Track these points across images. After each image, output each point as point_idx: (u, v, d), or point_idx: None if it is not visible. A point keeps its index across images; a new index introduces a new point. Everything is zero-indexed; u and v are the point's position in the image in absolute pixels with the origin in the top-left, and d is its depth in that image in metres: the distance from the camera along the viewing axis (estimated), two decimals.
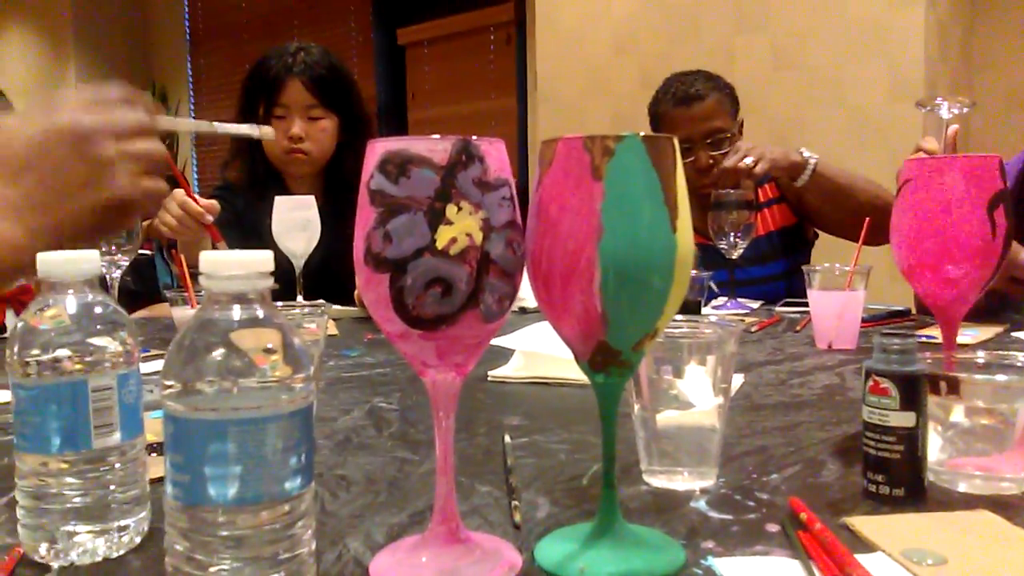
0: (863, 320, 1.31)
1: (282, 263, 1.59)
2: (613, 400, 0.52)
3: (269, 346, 0.43)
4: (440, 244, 0.45)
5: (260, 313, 0.43)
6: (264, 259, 0.44)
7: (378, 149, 0.46)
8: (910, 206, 0.75)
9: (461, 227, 0.46)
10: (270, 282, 0.44)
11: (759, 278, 1.95)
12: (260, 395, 0.42)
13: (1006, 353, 0.68)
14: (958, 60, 2.97)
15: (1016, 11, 3.02)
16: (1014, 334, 1.31)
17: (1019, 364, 0.66)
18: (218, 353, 0.41)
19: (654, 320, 0.49)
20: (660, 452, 0.67)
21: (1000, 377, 0.63)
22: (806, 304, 1.34)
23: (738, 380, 1.02)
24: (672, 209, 0.47)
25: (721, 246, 1.77)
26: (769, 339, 1.37)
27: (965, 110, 1.35)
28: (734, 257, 1.76)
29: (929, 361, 0.68)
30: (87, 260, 0.53)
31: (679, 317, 0.61)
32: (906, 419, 0.60)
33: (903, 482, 0.61)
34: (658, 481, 0.66)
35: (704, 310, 1.69)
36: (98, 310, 0.52)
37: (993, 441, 0.63)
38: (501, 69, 4.36)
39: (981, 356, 0.69)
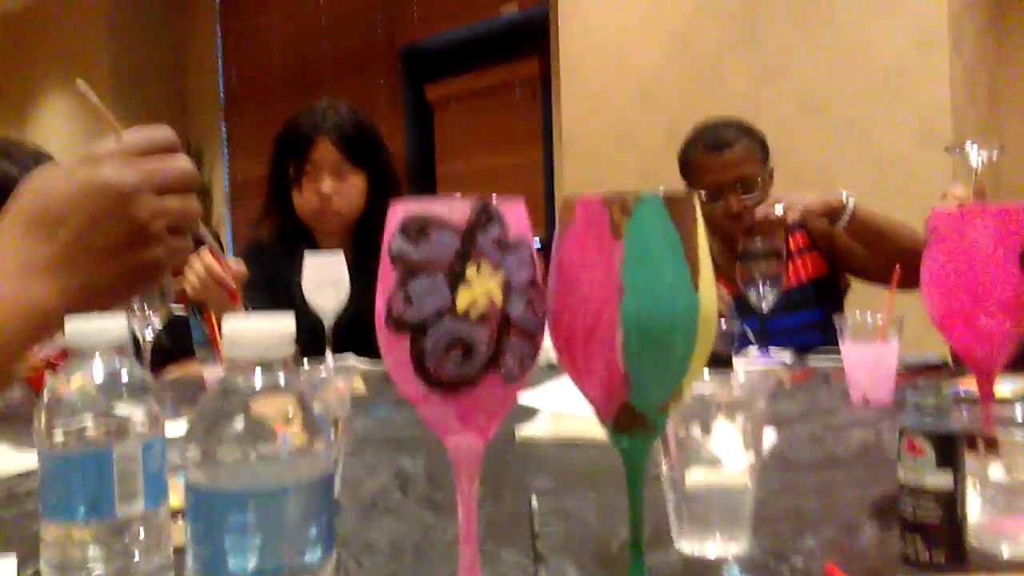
0: (898, 372, 1.29)
1: (312, 320, 1.61)
2: (639, 464, 0.51)
3: (289, 414, 0.42)
4: (460, 306, 0.45)
5: (281, 380, 0.43)
6: (286, 325, 0.44)
7: (398, 212, 0.47)
8: (939, 257, 0.74)
9: (481, 289, 0.45)
10: (292, 348, 0.44)
11: (791, 327, 1.92)
12: (279, 465, 0.41)
13: None
14: (986, 103, 2.96)
15: None
16: None
17: None
18: (238, 422, 0.41)
19: (678, 380, 0.48)
20: (690, 515, 0.65)
21: None
22: (839, 352, 1.32)
23: (770, 437, 1.00)
24: (693, 266, 0.47)
25: (750, 296, 1.75)
26: (802, 392, 1.34)
27: (995, 152, 1.33)
28: (764, 308, 1.74)
29: (965, 418, 0.67)
30: (115, 326, 0.53)
31: (708, 372, 0.60)
32: (943, 479, 0.58)
33: (943, 545, 0.58)
34: (689, 546, 0.65)
35: (737, 362, 1.66)
36: (124, 377, 0.52)
37: None
38: (527, 123, 4.42)
39: (1020, 410, 0.67)
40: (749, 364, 1.68)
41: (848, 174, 2.81)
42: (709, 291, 0.48)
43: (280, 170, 1.92)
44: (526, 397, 1.06)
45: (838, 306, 2.03)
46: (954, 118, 2.68)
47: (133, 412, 0.51)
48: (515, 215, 0.47)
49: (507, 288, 0.46)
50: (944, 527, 0.58)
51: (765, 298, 1.74)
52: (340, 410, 0.82)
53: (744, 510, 0.65)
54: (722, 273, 2.01)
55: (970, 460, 0.60)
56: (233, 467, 0.41)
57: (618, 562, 0.62)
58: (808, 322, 1.94)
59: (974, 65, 2.86)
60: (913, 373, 1.45)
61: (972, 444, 0.60)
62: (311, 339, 1.59)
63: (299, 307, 1.59)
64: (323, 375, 0.84)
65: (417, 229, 0.46)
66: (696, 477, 0.64)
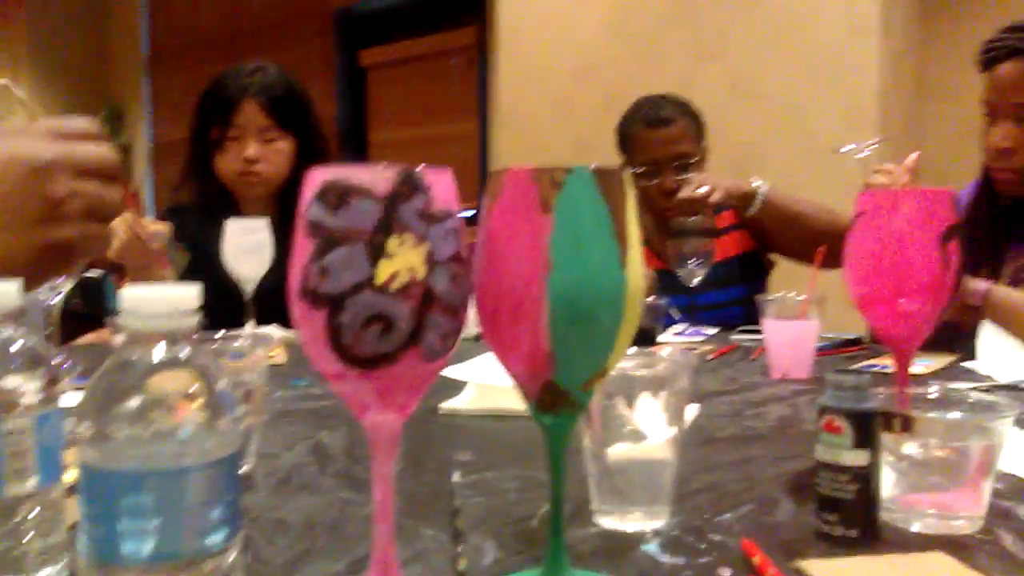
0: (817, 349, 1.32)
1: (233, 287, 1.56)
2: (561, 442, 0.50)
3: (189, 390, 0.40)
4: (380, 279, 0.43)
5: (182, 354, 0.41)
6: (188, 295, 0.42)
7: (317, 178, 0.44)
8: (863, 239, 0.75)
9: (403, 261, 0.44)
10: (195, 319, 0.42)
11: (718, 303, 1.95)
12: (177, 443, 0.39)
13: (958, 389, 0.67)
14: (911, 89, 3.04)
15: (967, 43, 3.08)
16: (964, 364, 1.32)
17: (971, 400, 0.66)
18: (133, 398, 0.39)
19: (604, 359, 0.47)
20: (611, 489, 0.65)
21: (953, 415, 0.63)
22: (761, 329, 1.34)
23: (693, 411, 1.01)
24: (622, 244, 0.46)
25: (680, 273, 1.77)
26: (724, 368, 1.36)
27: (875, 145, 1.39)
28: (692, 285, 1.76)
29: (882, 396, 0.68)
30: (5, 291, 0.50)
31: (633, 348, 0.60)
32: (859, 457, 0.59)
33: (856, 522, 0.59)
34: (609, 521, 0.64)
35: (662, 337, 1.68)
36: (15, 346, 0.49)
37: (947, 476, 0.62)
38: (463, 92, 4.36)
39: (934, 391, 0.68)
40: (674, 339, 1.70)
41: (779, 154, 2.86)
42: (637, 269, 0.47)
43: (203, 132, 1.85)
44: (451, 369, 1.04)
45: (763, 283, 2.07)
46: (881, 102, 2.74)
47: (24, 384, 0.47)
48: (442, 185, 0.45)
49: (431, 261, 0.44)
50: (858, 504, 0.59)
51: (694, 275, 1.76)
52: (256, 381, 0.79)
53: (665, 484, 0.65)
54: (652, 249, 2.03)
55: (886, 438, 0.61)
56: (128, 445, 0.38)
57: (538, 538, 0.61)
58: (733, 298, 1.98)
59: (902, 51, 2.93)
60: (831, 350, 1.49)
61: (888, 423, 0.61)
62: (233, 309, 1.54)
63: (219, 275, 1.54)
64: (238, 344, 0.81)
65: (336, 197, 0.44)
66: (618, 450, 0.64)
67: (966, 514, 0.62)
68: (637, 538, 0.61)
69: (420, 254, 0.44)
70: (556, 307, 0.44)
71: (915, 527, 0.62)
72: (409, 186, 0.44)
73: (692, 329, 1.77)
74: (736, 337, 1.68)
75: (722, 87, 2.97)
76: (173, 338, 0.41)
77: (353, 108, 4.77)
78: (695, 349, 1.53)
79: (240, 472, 0.76)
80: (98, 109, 5.77)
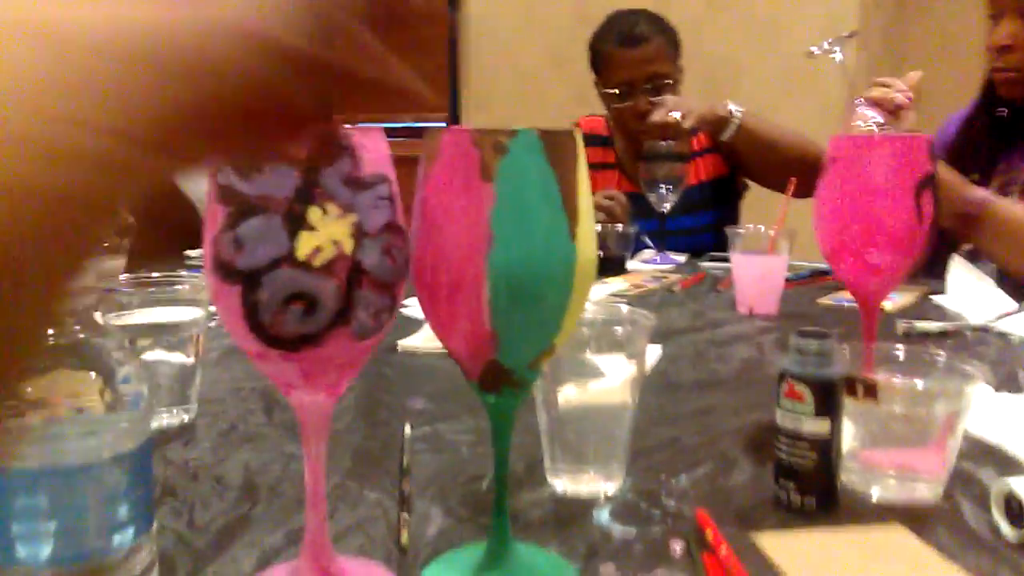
0: (785, 280, 1.29)
1: (188, 212, 1.49)
2: (506, 421, 0.47)
3: (85, 382, 0.36)
4: (301, 254, 0.39)
5: (80, 339, 0.36)
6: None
7: None
8: (835, 187, 0.71)
9: (326, 234, 0.39)
10: (92, 298, 0.37)
11: (689, 228, 1.92)
12: (74, 440, 0.35)
13: (926, 351, 0.65)
14: (892, 5, 2.95)
15: None
16: (933, 298, 1.31)
17: (939, 362, 0.64)
18: (23, 393, 0.35)
19: (550, 337, 0.44)
20: (563, 444, 0.62)
21: (918, 382, 0.60)
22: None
23: (655, 352, 0.99)
24: (572, 215, 0.42)
25: (651, 198, 1.72)
26: (691, 300, 1.34)
27: (848, 38, 1.34)
28: (664, 210, 1.72)
29: (847, 353, 0.65)
30: None
31: (595, 290, 0.56)
32: (820, 426, 0.57)
33: (814, 491, 0.58)
34: (562, 483, 0.62)
35: (631, 264, 1.66)
36: None
37: (911, 437, 0.60)
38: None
39: (900, 351, 0.66)
40: (642, 266, 1.67)
41: (755, 70, 2.78)
42: (588, 241, 0.43)
43: None
44: (412, 308, 1.00)
45: (735, 208, 2.03)
46: (860, 18, 2.66)
47: None
48: (372, 146, 0.41)
49: (358, 233, 0.40)
50: (817, 473, 0.57)
51: (665, 200, 1.72)
52: (198, 324, 0.75)
53: (621, 438, 0.62)
54: (624, 172, 1.98)
55: (848, 402, 0.59)
56: (17, 443, 0.35)
57: (487, 505, 0.59)
58: (705, 224, 1.95)
59: None
60: (800, 281, 1.47)
61: (852, 388, 0.59)
62: (188, 232, 1.48)
63: (171, 196, 1.47)
64: (179, 288, 0.76)
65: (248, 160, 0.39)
66: (570, 394, 0.61)
67: (928, 478, 0.61)
68: (590, 503, 0.59)
69: (346, 225, 0.39)
70: (498, 285, 0.41)
71: (874, 493, 0.61)
72: (332, 148, 0.39)
73: (661, 256, 1.74)
74: (705, 265, 1.66)
75: (699, 1, 2.86)
76: (67, 320, 0.36)
77: None
78: (664, 278, 1.50)
79: (184, 420, 0.74)
80: None
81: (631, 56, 1.81)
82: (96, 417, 0.36)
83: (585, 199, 0.42)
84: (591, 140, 2.03)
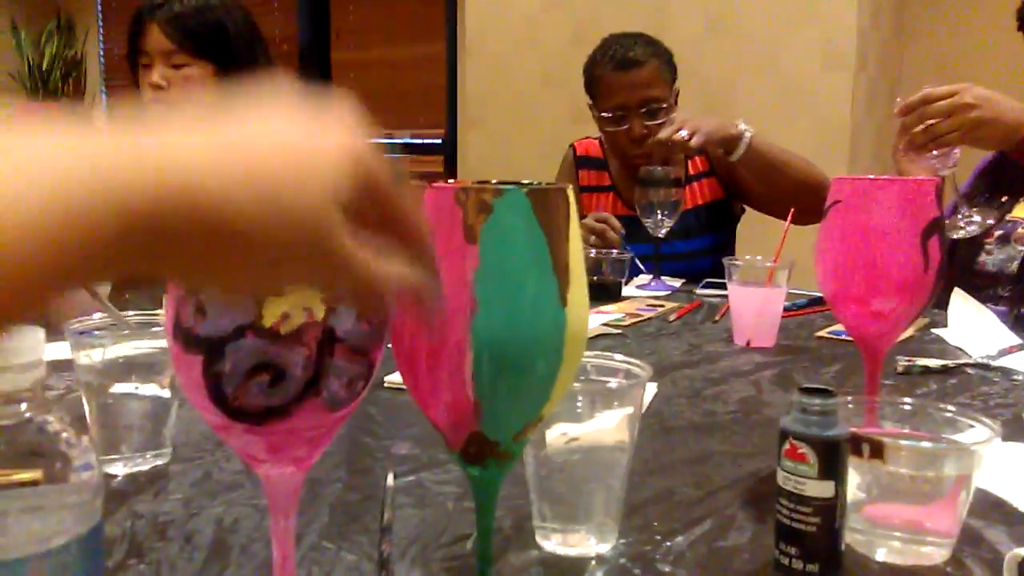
0: (783, 309, 1.27)
1: None
2: (490, 495, 0.44)
3: (26, 464, 0.33)
4: (268, 321, 0.36)
5: (22, 419, 0.33)
6: (31, 347, 0.34)
7: None
8: (838, 230, 0.68)
9: (296, 299, 0.36)
10: (39, 373, 0.34)
11: (684, 253, 1.89)
12: (15, 529, 0.32)
13: (934, 406, 0.62)
14: (890, 30, 2.94)
15: None
16: (934, 331, 1.28)
17: (948, 416, 0.61)
18: None
19: (538, 408, 0.41)
20: (552, 496, 0.59)
21: (926, 444, 0.57)
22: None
23: (650, 390, 0.96)
24: (562, 278, 0.39)
25: (646, 223, 1.70)
26: (687, 331, 1.31)
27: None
28: (660, 235, 1.70)
29: (851, 406, 0.63)
30: None
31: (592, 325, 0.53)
32: (824, 489, 0.54)
33: (818, 557, 0.55)
34: (551, 543, 0.59)
35: (627, 290, 1.63)
36: None
37: (918, 497, 0.58)
38: (430, 14, 4.17)
39: (908, 404, 0.63)
40: (638, 292, 1.64)
41: (753, 93, 2.77)
42: (580, 304, 0.40)
43: (130, 58, 1.72)
44: None
45: (731, 232, 2.01)
46: (859, 42, 2.65)
47: None
48: None
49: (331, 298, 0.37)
50: (821, 539, 0.54)
51: (661, 225, 1.69)
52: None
53: (615, 486, 0.59)
54: (620, 195, 1.95)
55: (853, 461, 0.56)
56: None
57: (471, 569, 0.56)
58: (701, 248, 1.92)
59: None
60: (797, 311, 1.44)
61: (857, 448, 0.56)
62: None
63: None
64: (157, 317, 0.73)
65: None
66: (560, 437, 0.57)
67: (935, 539, 0.58)
68: (580, 566, 0.56)
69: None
70: (482, 354, 0.38)
71: (880, 555, 0.58)
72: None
73: (656, 282, 1.71)
74: (701, 292, 1.63)
75: (697, 22, 2.84)
76: (12, 399, 0.33)
77: (315, 27, 4.55)
78: (660, 306, 1.48)
79: (157, 465, 0.71)
80: (48, 19, 5.47)
81: (626, 80, 1.78)
82: (35, 502, 0.32)
83: (577, 259, 0.40)
84: (586, 163, 2.01)
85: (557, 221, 0.38)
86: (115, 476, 0.70)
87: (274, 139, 0.28)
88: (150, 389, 0.71)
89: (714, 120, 1.67)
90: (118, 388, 0.70)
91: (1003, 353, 1.12)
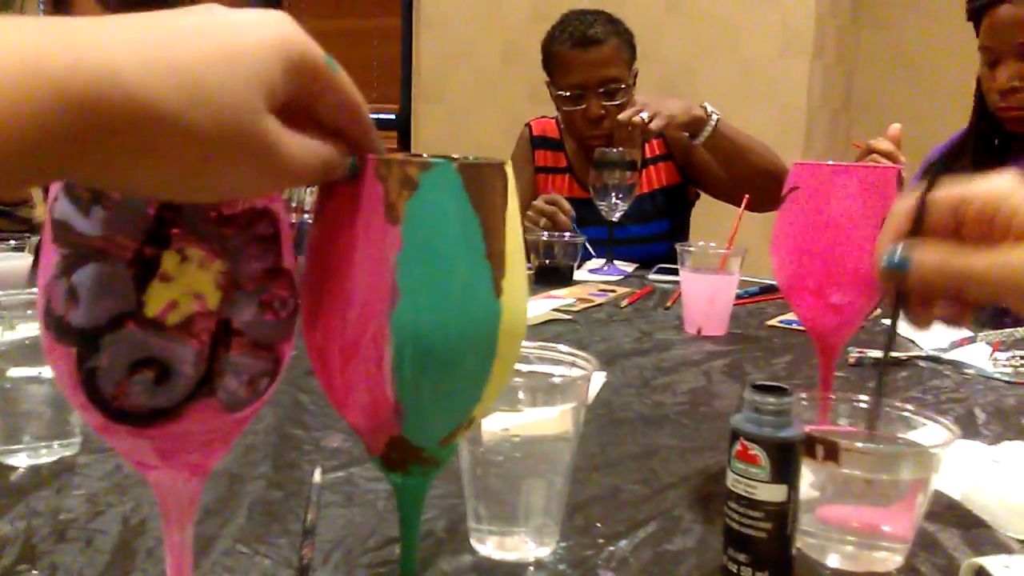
0: (735, 296, 1.24)
1: None
2: (414, 504, 0.39)
3: None
4: (152, 310, 0.31)
5: None
6: None
7: None
8: (795, 219, 0.65)
9: (185, 285, 0.31)
10: None
11: (639, 237, 1.86)
12: None
13: (891, 404, 0.59)
14: (847, 16, 2.94)
15: None
16: (885, 321, 1.27)
17: (906, 416, 0.58)
18: None
19: (468, 410, 0.36)
20: (489, 494, 0.54)
21: (882, 446, 0.55)
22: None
23: (599, 379, 0.92)
24: (497, 264, 0.34)
25: (601, 206, 1.66)
26: (638, 317, 1.28)
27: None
28: (614, 219, 1.66)
29: (803, 402, 0.60)
30: None
31: (533, 316, 0.49)
32: (776, 493, 0.51)
33: (768, 564, 0.51)
34: (486, 547, 0.55)
35: (578, 274, 1.59)
36: None
37: (875, 501, 0.55)
38: None
39: (862, 403, 0.60)
40: (590, 276, 1.61)
41: (712, 76, 2.75)
42: (517, 295, 0.35)
43: None
44: None
45: (686, 217, 1.98)
46: (816, 28, 2.64)
47: None
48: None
49: (228, 284, 0.32)
50: (772, 545, 0.51)
51: (616, 208, 1.66)
52: None
53: (557, 483, 0.55)
54: (575, 177, 1.91)
55: (806, 462, 0.53)
56: None
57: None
58: (655, 233, 1.89)
59: None
60: (749, 298, 1.42)
61: (811, 450, 0.53)
62: None
63: None
64: None
65: (90, 191, 0.31)
66: (497, 426, 0.53)
67: (890, 544, 0.55)
68: (516, 574, 0.52)
69: (211, 274, 0.32)
70: (404, 349, 0.33)
71: (832, 560, 0.55)
72: (204, 202, 0.31)
73: (609, 266, 1.68)
74: (653, 277, 1.60)
75: (657, 4, 2.81)
76: None
77: None
78: (611, 291, 1.44)
79: (64, 457, 0.64)
80: None
81: (584, 59, 1.74)
82: None
83: (515, 244, 0.35)
84: (543, 143, 1.96)
85: (492, 200, 0.34)
86: (16, 468, 0.65)
87: (201, 31, 0.27)
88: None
89: (679, 103, 1.63)
90: (18, 372, 0.64)
91: (954, 346, 1.11)
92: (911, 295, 0.48)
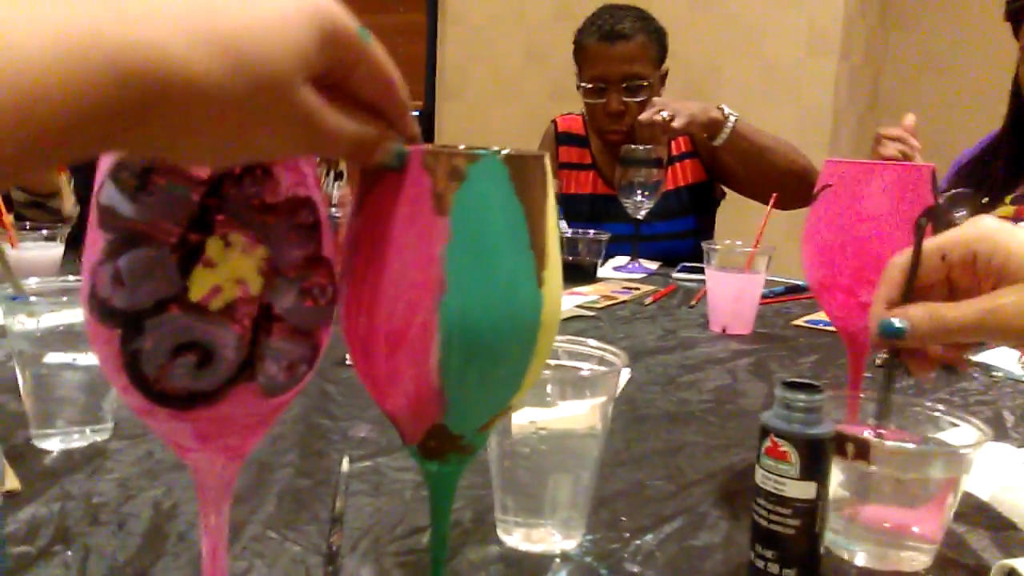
0: (761, 296, 1.24)
1: None
2: (448, 491, 0.40)
3: None
4: (195, 295, 0.31)
5: None
6: None
7: None
8: (827, 215, 0.65)
9: (228, 270, 0.32)
10: None
11: (664, 234, 1.86)
12: None
13: (921, 402, 0.59)
14: (876, 18, 2.91)
15: None
16: None
17: (936, 416, 0.58)
18: None
19: (508, 398, 0.37)
20: (516, 486, 0.55)
21: (913, 446, 0.54)
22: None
23: (625, 375, 0.92)
24: (540, 256, 0.35)
25: (626, 204, 1.66)
26: (663, 316, 1.28)
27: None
28: (639, 216, 1.66)
29: (834, 399, 0.59)
30: None
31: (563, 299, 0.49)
32: (806, 490, 0.50)
33: (795, 561, 0.51)
34: (513, 539, 0.55)
35: (602, 271, 1.59)
36: None
37: (904, 501, 0.55)
38: None
39: (895, 399, 0.60)
40: (614, 274, 1.61)
41: (736, 76, 2.73)
42: (556, 285, 0.36)
43: None
44: None
45: (712, 215, 1.98)
46: (844, 29, 2.62)
47: None
48: (293, 161, 0.33)
49: (270, 270, 0.33)
50: (800, 542, 0.51)
51: (641, 206, 1.65)
52: None
53: (585, 477, 0.55)
54: (600, 172, 1.91)
55: (836, 460, 0.53)
56: None
57: (426, 563, 0.52)
58: (680, 230, 1.89)
59: None
60: (775, 298, 1.41)
61: (841, 448, 0.53)
62: None
63: None
64: None
65: (136, 177, 0.31)
66: (527, 420, 0.53)
67: (918, 544, 0.55)
68: (543, 565, 0.53)
69: (254, 260, 0.32)
70: (451, 339, 0.33)
71: (860, 559, 0.55)
72: (242, 165, 0.32)
73: (633, 264, 1.68)
74: (678, 276, 1.60)
75: (682, 3, 2.80)
76: None
77: None
78: (635, 289, 1.44)
79: (96, 442, 0.65)
80: None
81: (609, 52, 1.74)
82: None
83: (553, 236, 0.35)
84: (568, 139, 1.96)
85: (534, 192, 0.34)
86: (49, 452, 0.66)
87: (241, 1, 0.28)
88: (89, 359, 0.66)
89: (697, 104, 1.63)
90: (53, 358, 0.65)
91: (982, 348, 1.10)
92: (909, 351, 0.52)
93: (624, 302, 1.35)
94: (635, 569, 0.52)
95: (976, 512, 0.62)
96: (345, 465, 0.64)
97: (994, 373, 1.02)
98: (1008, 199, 1.43)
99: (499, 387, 0.36)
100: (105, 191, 0.32)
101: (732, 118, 1.61)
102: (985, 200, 1.41)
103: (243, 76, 0.27)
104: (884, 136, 1.34)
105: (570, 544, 0.55)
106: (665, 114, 1.56)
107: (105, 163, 0.32)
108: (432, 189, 0.33)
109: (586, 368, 0.55)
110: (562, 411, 0.54)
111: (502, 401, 0.37)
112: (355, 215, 0.35)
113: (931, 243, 0.51)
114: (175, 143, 0.27)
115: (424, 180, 0.33)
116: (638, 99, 1.73)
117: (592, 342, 0.57)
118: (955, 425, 0.57)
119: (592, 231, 1.59)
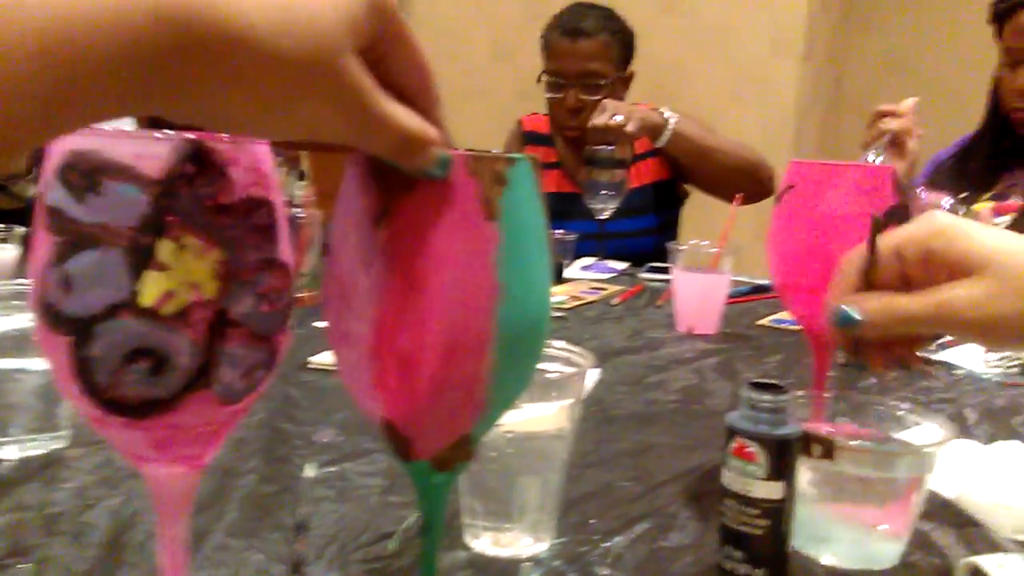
0: (728, 296, 1.24)
1: None
2: (443, 500, 0.39)
3: None
4: (147, 300, 0.30)
5: None
6: None
7: (59, 147, 0.31)
8: (790, 217, 0.65)
9: (182, 275, 0.31)
10: None
11: (629, 232, 1.86)
12: None
13: (886, 401, 0.59)
14: (838, 18, 2.95)
15: None
16: None
17: (899, 415, 0.58)
18: None
19: (518, 398, 0.37)
20: (484, 489, 0.54)
21: (878, 445, 0.55)
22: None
23: (594, 376, 0.92)
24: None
25: (590, 204, 1.66)
26: (630, 316, 1.28)
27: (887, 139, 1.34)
28: (603, 216, 1.66)
29: (800, 399, 0.59)
30: None
31: None
32: (773, 490, 0.51)
33: (763, 561, 0.51)
34: (481, 543, 0.55)
35: (568, 272, 1.59)
36: None
37: (870, 499, 0.55)
38: None
39: (857, 400, 0.60)
40: (581, 274, 1.61)
41: (703, 76, 2.75)
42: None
43: None
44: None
45: (676, 213, 1.99)
46: (807, 30, 2.65)
47: None
48: (247, 163, 0.32)
49: (225, 273, 0.32)
50: (768, 542, 0.51)
51: (605, 206, 1.66)
52: None
53: (553, 479, 0.55)
54: (565, 171, 1.91)
55: (802, 460, 0.53)
56: None
57: (393, 571, 0.51)
58: (645, 228, 1.90)
59: None
60: (741, 297, 1.42)
61: (807, 448, 0.53)
62: None
63: None
64: None
65: (84, 177, 0.30)
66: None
67: (884, 543, 0.55)
68: (511, 570, 0.52)
69: (208, 264, 0.31)
70: (505, 345, 0.33)
71: (826, 559, 0.55)
72: (196, 164, 0.31)
73: (600, 264, 1.68)
74: (644, 275, 1.60)
75: (651, 4, 2.81)
76: None
77: None
78: (602, 289, 1.44)
79: (52, 451, 0.64)
80: None
81: (570, 48, 1.75)
82: None
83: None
84: (534, 139, 1.96)
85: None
86: (3, 461, 0.64)
87: None
88: (41, 365, 0.64)
89: (642, 108, 1.65)
90: (4, 364, 0.63)
91: (943, 347, 1.11)
92: (865, 344, 0.52)
93: (592, 302, 1.35)
94: (605, 572, 0.52)
95: (942, 510, 0.62)
96: (308, 471, 0.63)
97: (955, 371, 1.03)
98: (986, 196, 1.46)
99: (521, 388, 0.36)
100: (52, 192, 0.30)
101: (672, 120, 1.64)
102: (965, 194, 1.44)
103: (291, 36, 0.25)
104: (883, 112, 1.36)
105: (539, 547, 0.55)
106: (619, 118, 1.57)
107: (51, 162, 0.31)
108: (480, 194, 0.32)
109: (552, 370, 0.55)
110: (529, 413, 0.54)
111: (514, 402, 0.37)
112: (378, 227, 0.33)
113: (886, 239, 0.51)
114: (214, 103, 0.26)
115: (470, 186, 0.32)
116: (595, 97, 1.74)
117: (558, 343, 0.57)
118: (918, 424, 0.57)
119: (559, 231, 1.59)
